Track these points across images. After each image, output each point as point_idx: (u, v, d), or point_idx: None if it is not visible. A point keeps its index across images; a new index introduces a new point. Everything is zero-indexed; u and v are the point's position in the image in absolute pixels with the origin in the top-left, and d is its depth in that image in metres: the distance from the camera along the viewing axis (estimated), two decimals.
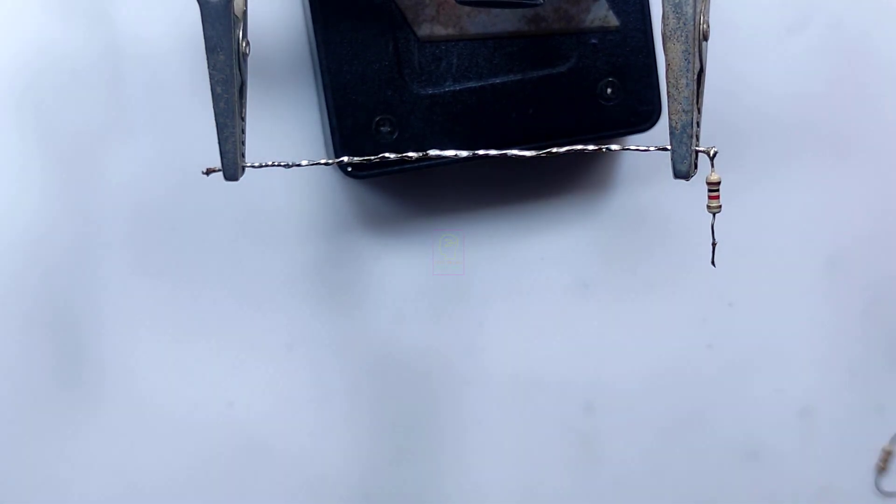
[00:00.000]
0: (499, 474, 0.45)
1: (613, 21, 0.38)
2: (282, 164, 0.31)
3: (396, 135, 0.38)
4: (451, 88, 0.38)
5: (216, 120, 0.30)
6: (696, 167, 0.28)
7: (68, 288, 0.41)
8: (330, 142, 0.39)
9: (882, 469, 0.46)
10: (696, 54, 0.27)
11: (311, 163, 0.32)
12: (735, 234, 0.40)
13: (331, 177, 0.42)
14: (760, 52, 0.44)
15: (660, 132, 0.38)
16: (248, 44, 0.30)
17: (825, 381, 0.46)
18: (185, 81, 0.40)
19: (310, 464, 0.44)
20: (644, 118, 0.39)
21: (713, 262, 0.30)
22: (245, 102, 0.31)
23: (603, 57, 0.39)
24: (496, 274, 0.43)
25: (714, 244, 0.30)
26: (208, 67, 0.29)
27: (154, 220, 0.41)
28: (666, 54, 0.27)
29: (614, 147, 0.30)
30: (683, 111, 0.27)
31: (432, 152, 0.31)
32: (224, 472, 0.43)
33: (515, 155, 0.30)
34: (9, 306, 0.41)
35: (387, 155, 0.31)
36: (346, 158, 0.32)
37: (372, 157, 0.31)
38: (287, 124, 0.41)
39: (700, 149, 0.28)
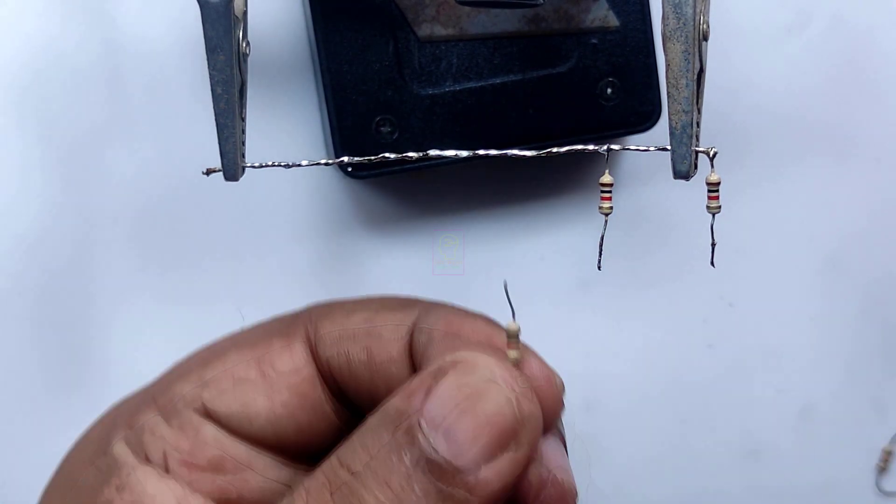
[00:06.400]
0: None
1: (613, 21, 0.38)
2: (282, 164, 0.31)
3: (396, 135, 0.38)
4: (451, 88, 0.38)
5: (216, 120, 0.30)
6: (695, 167, 0.28)
7: (69, 288, 0.41)
8: (330, 142, 0.39)
9: (882, 469, 0.46)
10: (696, 55, 0.27)
11: (311, 163, 0.32)
12: (735, 235, 0.41)
13: (331, 177, 0.42)
14: (761, 51, 0.44)
15: (660, 132, 0.38)
16: (248, 44, 0.30)
17: (825, 381, 0.46)
18: (186, 81, 0.40)
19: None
20: (644, 118, 0.39)
21: (713, 263, 0.30)
22: (245, 103, 0.31)
23: (603, 57, 0.39)
24: (496, 274, 0.43)
25: (714, 244, 0.30)
26: (208, 68, 0.29)
27: (154, 220, 0.41)
28: (666, 55, 0.27)
29: (614, 147, 0.30)
30: (683, 111, 0.27)
31: (432, 152, 0.30)
32: None
33: (515, 155, 0.30)
34: (9, 306, 0.41)
35: (387, 155, 0.31)
36: (346, 158, 0.32)
37: (372, 157, 0.31)
38: (287, 124, 0.41)
39: (700, 149, 0.28)
